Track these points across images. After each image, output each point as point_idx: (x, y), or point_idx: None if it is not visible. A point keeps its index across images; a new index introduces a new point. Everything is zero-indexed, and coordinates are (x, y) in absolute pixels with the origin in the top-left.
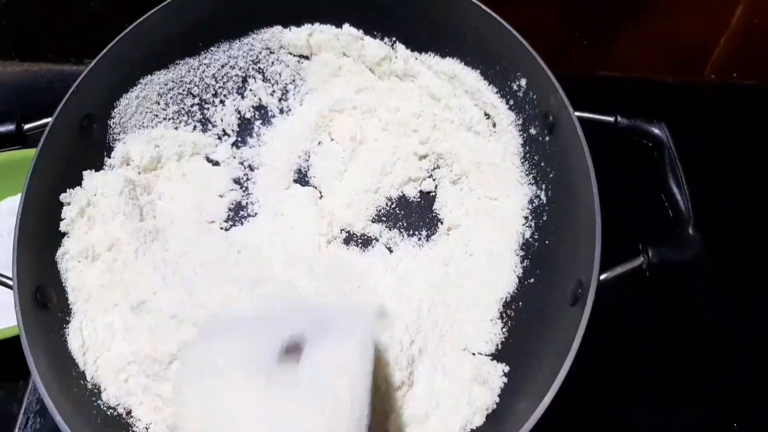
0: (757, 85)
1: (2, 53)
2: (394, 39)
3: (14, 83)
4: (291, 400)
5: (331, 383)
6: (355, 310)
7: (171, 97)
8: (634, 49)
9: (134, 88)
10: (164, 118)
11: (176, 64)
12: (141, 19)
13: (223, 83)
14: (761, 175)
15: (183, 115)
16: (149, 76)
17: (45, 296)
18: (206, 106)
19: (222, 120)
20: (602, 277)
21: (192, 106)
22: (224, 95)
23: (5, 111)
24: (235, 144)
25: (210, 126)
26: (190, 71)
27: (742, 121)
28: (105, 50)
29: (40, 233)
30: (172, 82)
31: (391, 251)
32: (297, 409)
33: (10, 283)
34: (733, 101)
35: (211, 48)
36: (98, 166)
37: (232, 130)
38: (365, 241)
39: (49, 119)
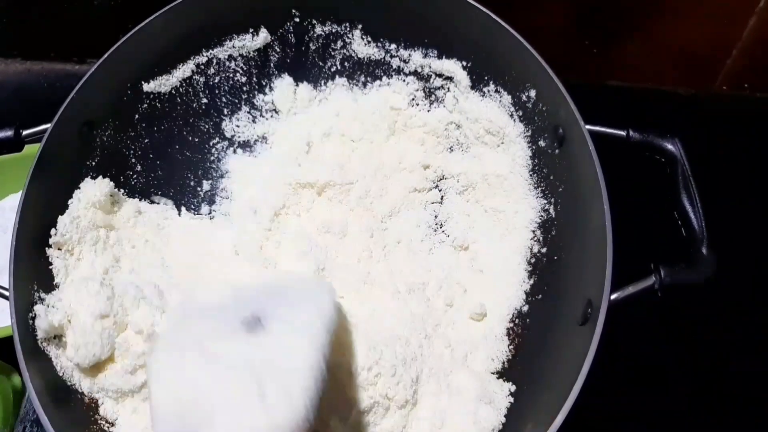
0: None
1: (4, 52)
2: (399, 46)
3: (16, 82)
4: (249, 360)
5: (287, 342)
6: (314, 284)
7: None
8: (645, 59)
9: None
10: None
11: (177, 69)
12: (133, 31)
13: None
14: None
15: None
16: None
17: None
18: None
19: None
20: (613, 296)
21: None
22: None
23: (6, 110)
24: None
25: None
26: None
27: (756, 135)
28: (102, 58)
29: (38, 243)
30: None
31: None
32: (255, 366)
33: (6, 293)
34: (745, 114)
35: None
36: (95, 174)
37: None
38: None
39: (48, 125)
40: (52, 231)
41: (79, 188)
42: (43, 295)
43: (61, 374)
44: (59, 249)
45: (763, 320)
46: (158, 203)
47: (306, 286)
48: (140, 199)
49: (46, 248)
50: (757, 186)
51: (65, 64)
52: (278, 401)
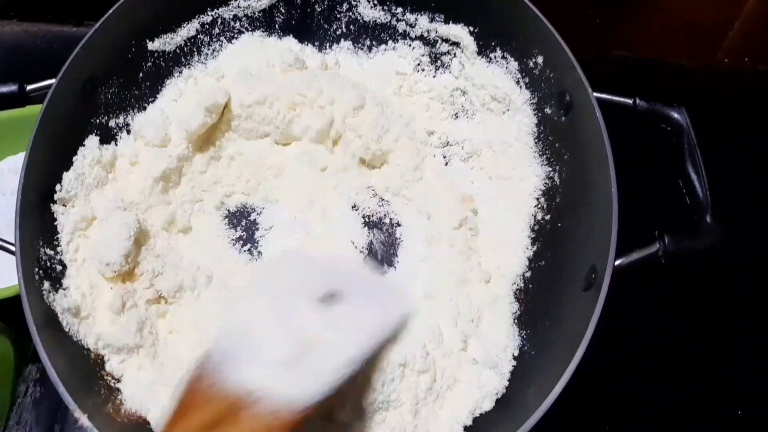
0: None
1: (1, 13)
2: (405, 10)
3: (13, 44)
4: (307, 329)
5: (345, 330)
6: (395, 288)
7: None
8: (647, 31)
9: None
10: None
11: (181, 28)
12: None
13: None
14: None
15: None
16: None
17: (47, 263)
18: None
19: None
20: (617, 263)
21: None
22: None
23: (3, 72)
24: None
25: None
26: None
27: (758, 107)
28: (109, 12)
29: (43, 198)
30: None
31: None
32: (310, 335)
33: (12, 248)
34: (747, 86)
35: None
36: (100, 131)
37: None
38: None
39: (53, 80)
40: (57, 187)
41: (84, 145)
42: (48, 250)
43: (67, 330)
44: (64, 205)
45: (764, 288)
46: None
47: (384, 285)
48: None
49: (51, 204)
50: (761, 157)
51: (62, 26)
52: (305, 375)
